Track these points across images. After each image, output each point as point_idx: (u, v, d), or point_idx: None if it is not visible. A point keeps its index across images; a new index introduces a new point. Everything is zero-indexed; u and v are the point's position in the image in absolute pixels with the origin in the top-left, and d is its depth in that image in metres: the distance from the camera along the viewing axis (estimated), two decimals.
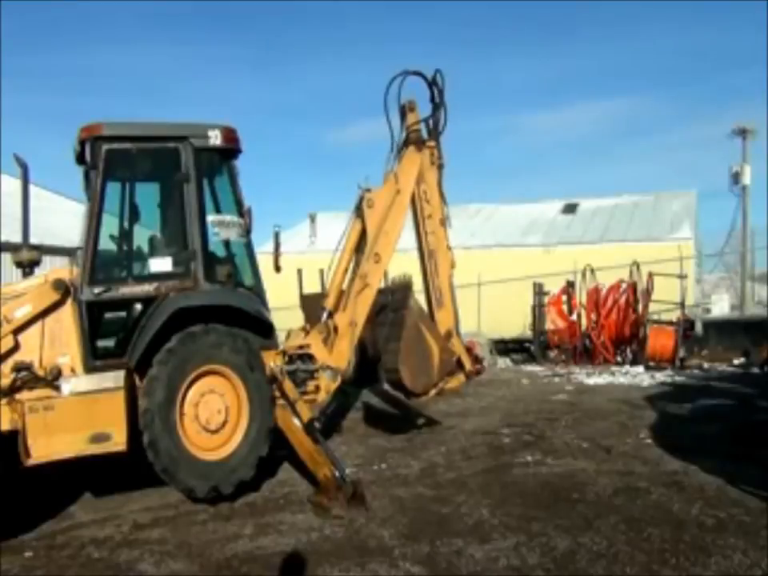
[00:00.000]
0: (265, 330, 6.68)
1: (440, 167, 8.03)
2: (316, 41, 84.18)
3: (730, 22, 75.81)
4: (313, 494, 6.19)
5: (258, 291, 6.79)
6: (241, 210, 6.75)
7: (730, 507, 5.77)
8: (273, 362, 6.52)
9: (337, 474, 6.02)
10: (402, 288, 7.94)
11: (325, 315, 7.58)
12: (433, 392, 8.00)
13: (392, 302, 7.97)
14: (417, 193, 7.90)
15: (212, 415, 6.13)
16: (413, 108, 7.82)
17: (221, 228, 6.64)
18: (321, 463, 6.16)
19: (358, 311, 7.26)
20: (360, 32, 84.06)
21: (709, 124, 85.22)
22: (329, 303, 7.66)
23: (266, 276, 6.92)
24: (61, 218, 18.89)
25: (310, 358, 7.13)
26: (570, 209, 30.19)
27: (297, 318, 7.48)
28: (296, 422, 6.33)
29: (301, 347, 7.10)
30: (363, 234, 7.74)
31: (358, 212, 7.63)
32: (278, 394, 6.43)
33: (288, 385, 6.40)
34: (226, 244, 6.83)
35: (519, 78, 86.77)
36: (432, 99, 7.94)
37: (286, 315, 7.59)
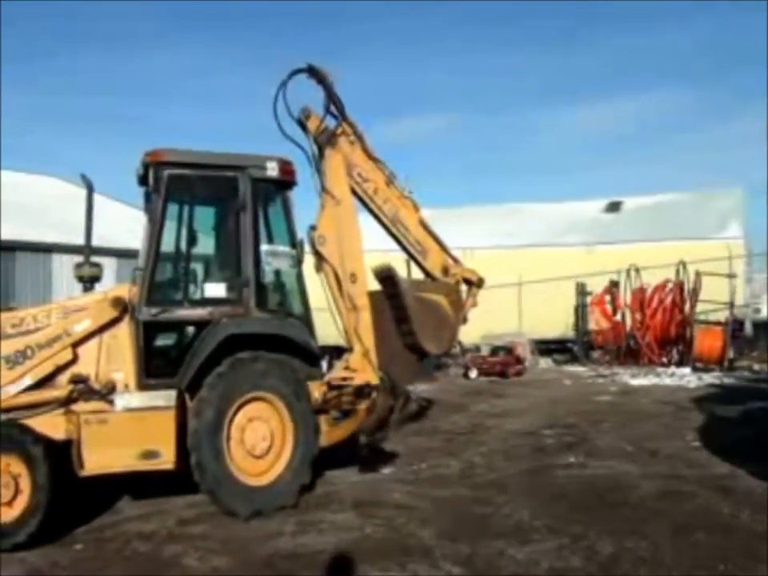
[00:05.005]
0: (311, 359, 6.76)
1: (360, 137, 7.36)
2: (317, 43, 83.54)
3: None
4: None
5: (306, 321, 6.84)
6: (293, 241, 6.84)
7: None
8: (317, 392, 6.63)
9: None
10: (383, 280, 7.61)
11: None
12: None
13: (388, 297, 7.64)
14: (353, 182, 7.34)
15: (257, 441, 6.19)
16: (308, 114, 7.17)
17: (273, 258, 6.78)
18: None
19: (365, 339, 7.04)
20: (366, 31, 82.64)
21: (755, 119, 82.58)
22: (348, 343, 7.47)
23: None
24: (105, 219, 19.31)
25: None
26: (614, 207, 29.70)
27: (321, 318, 7.39)
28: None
29: (344, 378, 7.09)
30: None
31: (318, 254, 7.12)
32: (334, 413, 6.71)
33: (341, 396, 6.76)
34: (278, 273, 6.96)
35: (553, 73, 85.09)
36: (318, 82, 7.22)
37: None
